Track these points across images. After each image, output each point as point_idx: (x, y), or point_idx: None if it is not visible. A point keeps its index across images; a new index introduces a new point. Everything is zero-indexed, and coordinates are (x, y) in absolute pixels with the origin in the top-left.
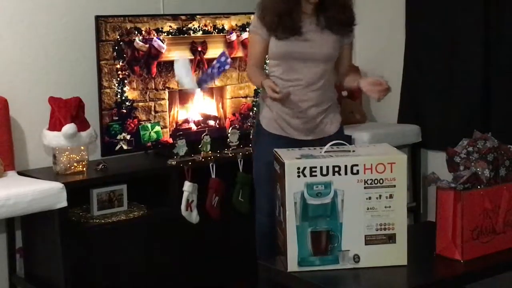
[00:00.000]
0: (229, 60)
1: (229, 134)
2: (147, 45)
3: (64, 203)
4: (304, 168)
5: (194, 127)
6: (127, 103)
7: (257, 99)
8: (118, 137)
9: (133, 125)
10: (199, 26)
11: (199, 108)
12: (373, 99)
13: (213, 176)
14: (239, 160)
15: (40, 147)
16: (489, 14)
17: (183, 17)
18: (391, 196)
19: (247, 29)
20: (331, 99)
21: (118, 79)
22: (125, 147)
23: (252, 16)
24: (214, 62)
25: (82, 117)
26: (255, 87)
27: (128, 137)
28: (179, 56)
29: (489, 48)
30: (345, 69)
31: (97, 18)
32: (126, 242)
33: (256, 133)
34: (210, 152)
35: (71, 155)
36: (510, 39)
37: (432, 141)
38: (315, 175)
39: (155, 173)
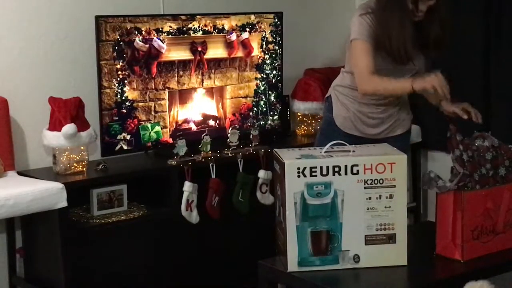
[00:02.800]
0: None
1: (229, 134)
2: (147, 45)
3: (64, 203)
4: (304, 168)
5: (194, 127)
6: (127, 103)
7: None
8: (118, 137)
9: (133, 125)
10: (199, 26)
11: (199, 108)
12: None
13: (213, 176)
14: (239, 160)
15: (40, 147)
16: (490, 13)
17: (183, 17)
18: (391, 196)
19: (244, 29)
20: (405, 97)
21: (118, 79)
22: (125, 147)
23: (252, 16)
24: None
25: (82, 117)
26: (255, 87)
27: (128, 137)
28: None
29: (489, 47)
30: None
31: (97, 18)
32: (126, 242)
33: (326, 130)
34: (210, 152)
35: (71, 155)
36: (510, 38)
37: (432, 141)
38: (315, 175)
39: (155, 173)
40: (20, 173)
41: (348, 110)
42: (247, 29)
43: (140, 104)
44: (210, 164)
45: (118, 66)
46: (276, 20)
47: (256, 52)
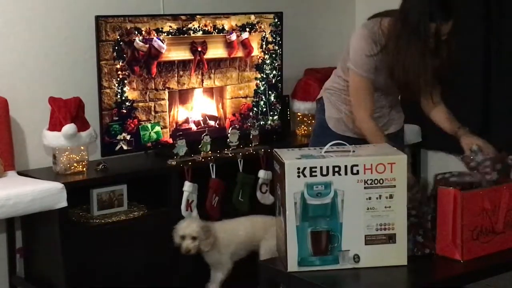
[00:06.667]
0: None
1: (229, 134)
2: (147, 45)
3: (64, 203)
4: (304, 168)
5: (194, 127)
6: (127, 103)
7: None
8: (118, 137)
9: (133, 125)
10: (199, 26)
11: (199, 108)
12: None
13: (213, 176)
14: (239, 160)
15: (40, 147)
16: (490, 14)
17: (183, 17)
18: (391, 196)
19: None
20: (395, 98)
21: (118, 79)
22: (125, 147)
23: (252, 16)
24: None
25: (82, 117)
26: (255, 87)
27: (128, 137)
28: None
29: (490, 48)
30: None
31: (97, 18)
32: (126, 242)
33: (320, 132)
34: (210, 152)
35: (71, 155)
36: (510, 39)
37: (432, 141)
38: (315, 175)
39: (155, 173)
40: (20, 173)
41: (340, 111)
42: (247, 29)
43: (140, 104)
44: (210, 164)
45: (118, 66)
46: (276, 20)
47: (256, 52)
